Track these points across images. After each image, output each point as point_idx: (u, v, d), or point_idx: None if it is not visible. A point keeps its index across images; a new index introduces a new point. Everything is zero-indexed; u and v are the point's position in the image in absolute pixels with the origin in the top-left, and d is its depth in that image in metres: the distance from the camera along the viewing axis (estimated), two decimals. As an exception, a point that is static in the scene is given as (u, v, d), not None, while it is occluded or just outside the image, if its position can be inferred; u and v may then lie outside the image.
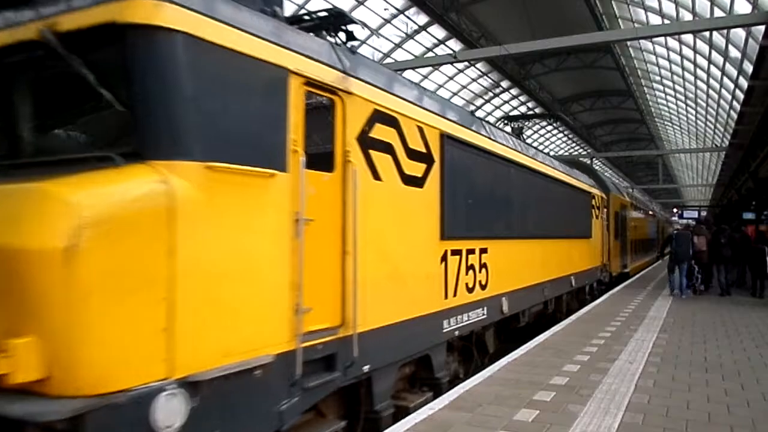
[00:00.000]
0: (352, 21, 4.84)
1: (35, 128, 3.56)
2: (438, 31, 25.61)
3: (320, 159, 4.18)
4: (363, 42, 24.48)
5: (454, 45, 25.68)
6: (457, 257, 6.32)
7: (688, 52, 25.40)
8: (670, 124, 44.46)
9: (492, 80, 33.66)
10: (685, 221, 29.72)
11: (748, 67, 16.28)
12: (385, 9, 23.04)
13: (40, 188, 2.81)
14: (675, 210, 43.83)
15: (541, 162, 10.07)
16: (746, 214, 23.83)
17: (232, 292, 3.34)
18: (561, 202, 11.16)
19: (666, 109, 40.12)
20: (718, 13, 18.03)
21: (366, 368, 4.58)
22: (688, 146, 45.65)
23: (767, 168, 20.29)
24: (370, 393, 4.84)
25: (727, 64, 21.68)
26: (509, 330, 8.71)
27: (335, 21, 4.78)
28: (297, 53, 3.94)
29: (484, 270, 7.03)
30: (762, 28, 12.33)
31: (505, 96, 36.39)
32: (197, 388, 3.08)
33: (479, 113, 30.95)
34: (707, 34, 20.78)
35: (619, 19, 24.85)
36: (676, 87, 32.50)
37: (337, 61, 4.42)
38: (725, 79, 23.50)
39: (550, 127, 46.10)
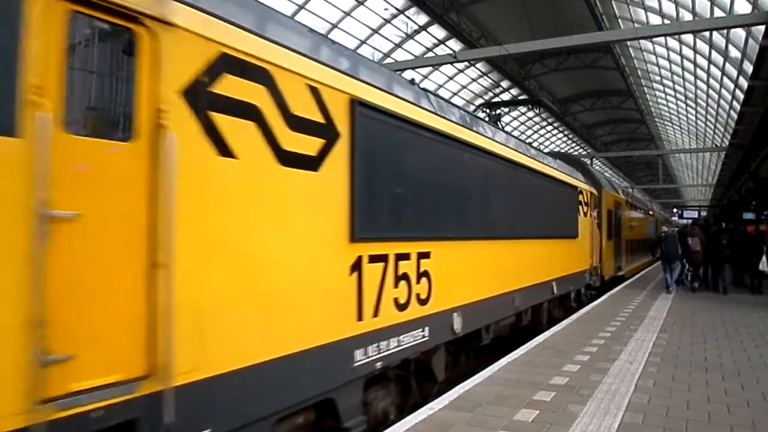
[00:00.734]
0: None
1: None
2: (438, 31, 25.63)
3: (108, 120, 2.87)
4: (363, 42, 24.53)
5: (454, 45, 25.71)
6: (380, 265, 4.78)
7: (688, 52, 25.42)
8: (670, 124, 44.48)
9: (492, 80, 33.69)
10: (684, 221, 29.77)
11: (748, 67, 16.28)
12: (385, 9, 23.07)
13: None
14: (675, 210, 43.85)
15: (511, 148, 8.42)
16: (746, 214, 23.85)
17: None
18: (539, 196, 9.55)
19: (666, 109, 40.15)
20: (718, 13, 18.05)
21: None
22: (688, 146, 45.68)
23: (767, 168, 20.29)
24: None
25: (727, 64, 21.69)
26: (472, 349, 7.42)
27: None
28: None
29: (424, 280, 5.51)
30: (762, 28, 12.32)
31: (505, 96, 36.41)
32: None
33: (479, 113, 30.90)
34: (707, 34, 20.80)
35: (619, 19, 24.86)
36: (676, 87, 32.52)
37: None
38: (725, 79, 23.50)
39: (550, 127, 46.20)
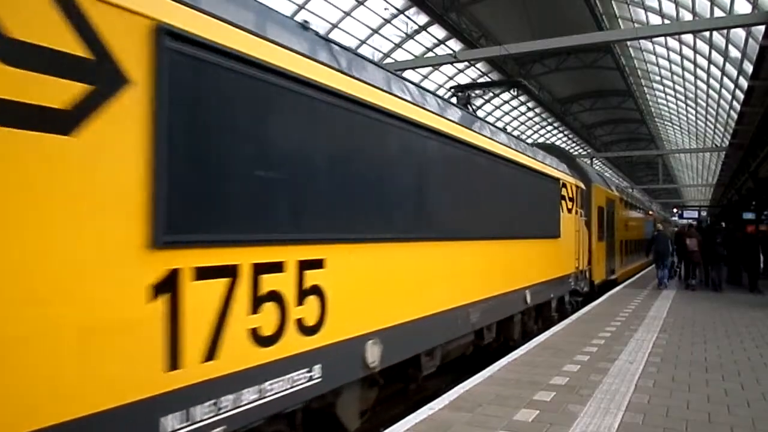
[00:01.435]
0: None
1: None
2: (438, 31, 25.65)
3: None
4: (363, 42, 24.54)
5: (454, 45, 25.74)
6: (221, 282, 3.22)
7: (688, 52, 25.44)
8: (670, 124, 44.51)
9: (492, 80, 33.70)
10: (684, 221, 29.78)
11: (748, 67, 16.28)
12: (385, 9, 23.11)
13: None
14: (675, 210, 43.85)
15: (466, 127, 6.79)
16: (746, 214, 23.85)
17: None
18: (506, 188, 8.00)
19: (666, 109, 40.18)
20: (718, 13, 18.07)
21: None
22: (688, 146, 45.71)
23: (767, 168, 20.29)
24: None
25: (727, 64, 21.70)
26: (411, 380, 5.96)
27: None
28: None
29: (313, 299, 3.98)
30: (762, 28, 12.31)
31: (505, 96, 36.43)
32: None
33: (480, 113, 30.99)
34: (707, 34, 20.81)
35: (619, 19, 24.89)
36: (676, 87, 32.55)
37: None
38: (725, 79, 23.52)
39: (550, 127, 46.22)
